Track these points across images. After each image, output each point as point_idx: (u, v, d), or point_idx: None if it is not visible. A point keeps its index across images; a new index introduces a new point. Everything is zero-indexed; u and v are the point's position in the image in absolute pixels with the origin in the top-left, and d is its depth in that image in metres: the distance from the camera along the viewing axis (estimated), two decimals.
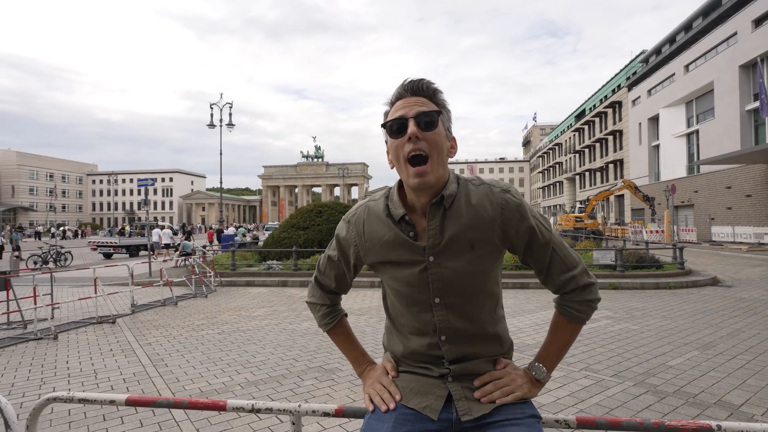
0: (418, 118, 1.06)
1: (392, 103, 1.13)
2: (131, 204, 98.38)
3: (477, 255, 1.10)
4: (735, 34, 26.05)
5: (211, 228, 26.61)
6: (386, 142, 1.15)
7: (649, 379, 4.08)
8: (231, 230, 30.52)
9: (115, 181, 65.31)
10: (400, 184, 1.19)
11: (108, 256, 22.20)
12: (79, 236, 54.58)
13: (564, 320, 1.17)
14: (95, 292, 7.30)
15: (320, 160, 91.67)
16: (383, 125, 1.13)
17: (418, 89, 1.10)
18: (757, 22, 24.33)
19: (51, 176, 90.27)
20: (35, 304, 6.21)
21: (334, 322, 1.34)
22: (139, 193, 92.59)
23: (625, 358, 4.73)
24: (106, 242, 22.90)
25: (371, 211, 1.21)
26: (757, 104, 23.90)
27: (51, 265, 17.50)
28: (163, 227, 28.79)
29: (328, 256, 1.31)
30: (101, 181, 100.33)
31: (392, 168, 1.15)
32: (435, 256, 1.11)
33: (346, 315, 1.37)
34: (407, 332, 1.19)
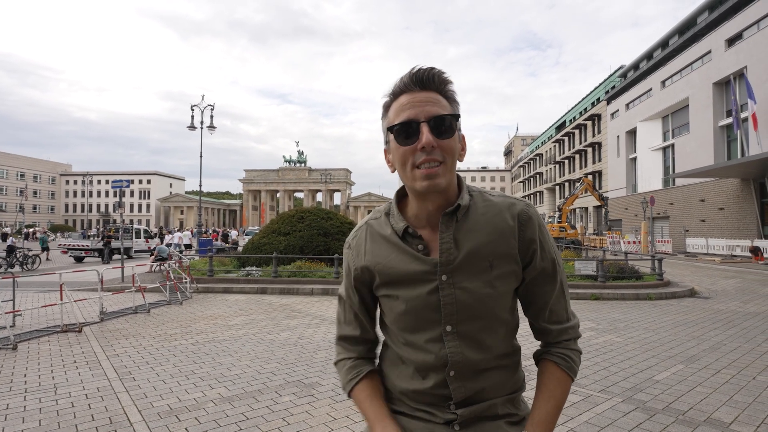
0: (433, 123, 0.89)
1: (395, 95, 0.94)
2: (106, 206, 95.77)
3: (495, 275, 0.95)
4: (709, 52, 26.96)
5: (215, 231, 25.97)
6: (386, 141, 0.98)
7: (637, 395, 3.99)
8: (234, 234, 30.04)
9: (90, 182, 63.19)
10: (399, 196, 1.04)
11: (79, 259, 21.42)
12: (30, 239, 44.50)
13: (561, 373, 1.00)
14: (61, 299, 6.91)
15: (303, 165, 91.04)
16: (390, 129, 0.93)
17: (429, 81, 0.91)
18: (730, 42, 25.24)
19: (22, 176, 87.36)
20: None
21: (358, 378, 1.05)
22: (114, 194, 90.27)
23: (611, 372, 4.66)
24: (77, 245, 22.06)
25: (372, 229, 1.05)
26: (730, 120, 24.71)
27: (17, 268, 16.73)
28: (180, 230, 28.17)
29: (339, 296, 1.13)
30: (75, 182, 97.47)
31: (393, 171, 0.98)
32: (448, 275, 0.94)
33: (376, 372, 1.09)
34: (410, 365, 1.01)
